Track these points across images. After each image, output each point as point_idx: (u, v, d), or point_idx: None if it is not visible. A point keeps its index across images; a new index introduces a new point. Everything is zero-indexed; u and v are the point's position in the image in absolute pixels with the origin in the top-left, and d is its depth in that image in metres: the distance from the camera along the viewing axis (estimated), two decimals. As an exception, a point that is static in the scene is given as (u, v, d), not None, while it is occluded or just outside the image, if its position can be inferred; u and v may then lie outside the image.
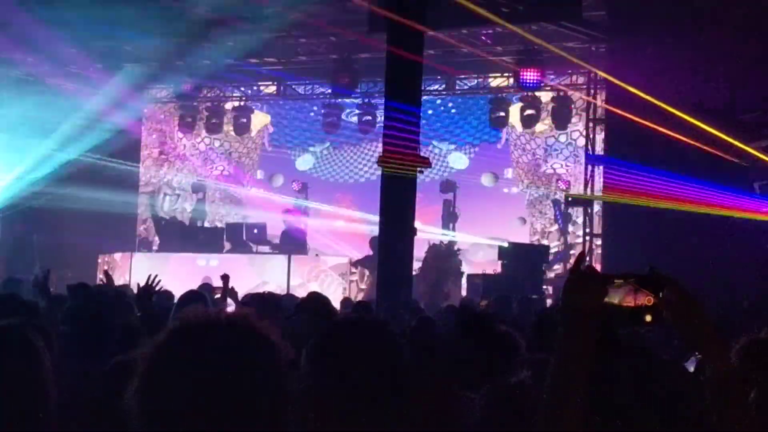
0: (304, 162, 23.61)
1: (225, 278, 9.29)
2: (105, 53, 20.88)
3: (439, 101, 22.02)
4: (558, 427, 2.27)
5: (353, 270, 18.60)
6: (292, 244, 19.62)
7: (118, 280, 17.95)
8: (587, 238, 18.44)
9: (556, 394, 2.30)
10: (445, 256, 18.25)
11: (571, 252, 19.68)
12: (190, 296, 7.21)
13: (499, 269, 17.06)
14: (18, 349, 3.40)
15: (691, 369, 3.54)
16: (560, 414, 2.27)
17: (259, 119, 23.70)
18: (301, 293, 11.85)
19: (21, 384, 3.32)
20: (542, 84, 19.28)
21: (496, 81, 20.78)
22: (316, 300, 6.36)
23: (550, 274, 18.16)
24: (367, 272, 17.95)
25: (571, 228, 20.26)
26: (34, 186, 20.33)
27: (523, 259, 16.52)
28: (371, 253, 17.63)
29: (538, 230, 21.39)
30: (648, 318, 2.38)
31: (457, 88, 21.45)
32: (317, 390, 2.37)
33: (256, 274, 18.38)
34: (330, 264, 18.95)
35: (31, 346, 3.43)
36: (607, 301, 2.37)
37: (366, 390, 2.36)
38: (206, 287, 12.09)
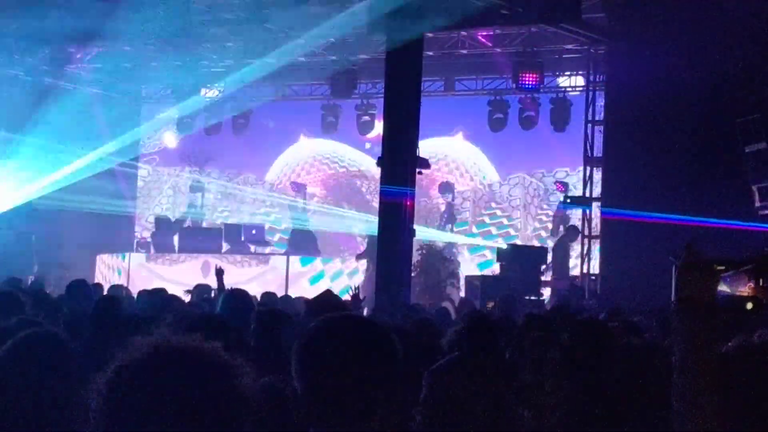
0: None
1: (219, 273, 9.57)
2: (103, 54, 20.89)
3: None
4: (694, 422, 2.20)
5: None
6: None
7: (116, 281, 17.98)
8: (585, 240, 18.43)
9: (687, 387, 2.23)
10: (441, 258, 18.25)
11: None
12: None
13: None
14: None
15: None
16: (694, 406, 2.21)
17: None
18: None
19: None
20: (541, 86, 19.28)
21: (495, 83, 20.79)
22: (328, 299, 6.18)
23: (547, 277, 18.13)
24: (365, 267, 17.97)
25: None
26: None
27: (521, 261, 16.51)
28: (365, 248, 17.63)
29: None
30: (749, 305, 2.32)
31: (456, 89, 21.46)
32: (308, 391, 2.34)
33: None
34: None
35: None
36: (720, 291, 2.30)
37: (358, 389, 2.33)
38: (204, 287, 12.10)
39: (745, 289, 2.28)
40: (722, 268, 2.33)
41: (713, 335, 2.29)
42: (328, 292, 6.85)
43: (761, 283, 2.28)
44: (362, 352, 2.35)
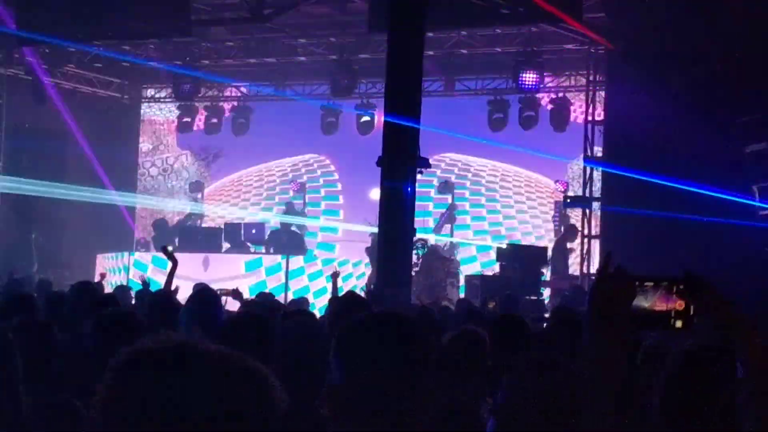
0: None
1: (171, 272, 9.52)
2: (104, 52, 20.90)
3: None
4: (593, 428, 2.19)
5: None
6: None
7: (115, 280, 18.00)
8: (585, 239, 18.44)
9: (589, 398, 2.23)
10: (442, 257, 18.25)
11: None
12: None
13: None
14: None
15: None
16: (594, 414, 2.21)
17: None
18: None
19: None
20: (541, 86, 19.29)
21: (495, 82, 20.80)
22: (353, 299, 6.15)
23: (547, 277, 18.15)
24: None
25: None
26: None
27: (521, 261, 16.51)
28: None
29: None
30: (678, 324, 2.29)
31: (456, 89, 21.46)
32: (344, 386, 2.36)
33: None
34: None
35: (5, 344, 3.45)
36: (637, 305, 2.26)
37: (394, 384, 2.35)
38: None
39: (666, 306, 2.23)
40: (650, 284, 2.31)
41: (620, 349, 2.27)
42: (351, 293, 6.90)
43: (691, 301, 2.25)
44: (401, 348, 2.38)
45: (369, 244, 18.48)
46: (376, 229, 13.67)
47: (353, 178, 23.08)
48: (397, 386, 2.31)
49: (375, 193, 21.95)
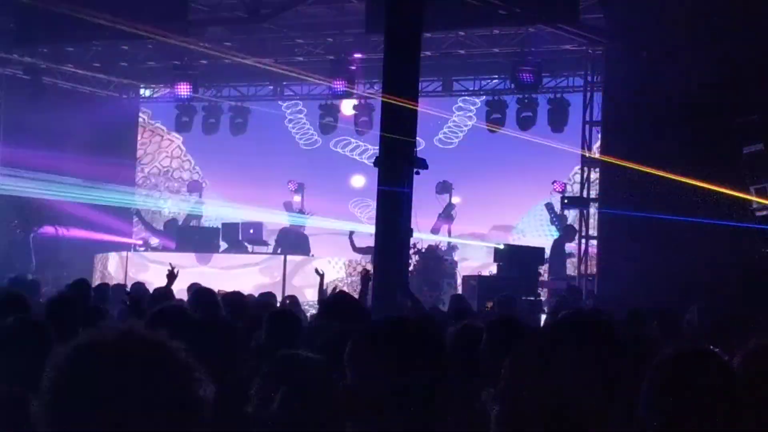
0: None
1: (171, 276, 9.84)
2: (102, 52, 20.91)
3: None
4: None
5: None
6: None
7: (114, 280, 17.99)
8: (583, 240, 18.45)
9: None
10: (438, 257, 18.25)
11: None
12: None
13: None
14: None
15: None
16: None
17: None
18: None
19: None
20: (539, 86, 19.29)
21: (493, 83, 20.81)
22: (343, 300, 6.07)
23: (544, 277, 18.15)
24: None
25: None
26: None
27: (518, 261, 16.51)
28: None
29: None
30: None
31: (453, 89, 21.46)
32: (360, 392, 2.37)
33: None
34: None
35: None
36: None
37: (411, 389, 2.36)
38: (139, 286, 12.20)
39: None
40: None
41: None
42: (342, 293, 6.82)
43: None
44: (416, 353, 2.40)
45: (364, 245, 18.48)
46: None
47: (351, 178, 23.10)
48: (412, 389, 2.32)
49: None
